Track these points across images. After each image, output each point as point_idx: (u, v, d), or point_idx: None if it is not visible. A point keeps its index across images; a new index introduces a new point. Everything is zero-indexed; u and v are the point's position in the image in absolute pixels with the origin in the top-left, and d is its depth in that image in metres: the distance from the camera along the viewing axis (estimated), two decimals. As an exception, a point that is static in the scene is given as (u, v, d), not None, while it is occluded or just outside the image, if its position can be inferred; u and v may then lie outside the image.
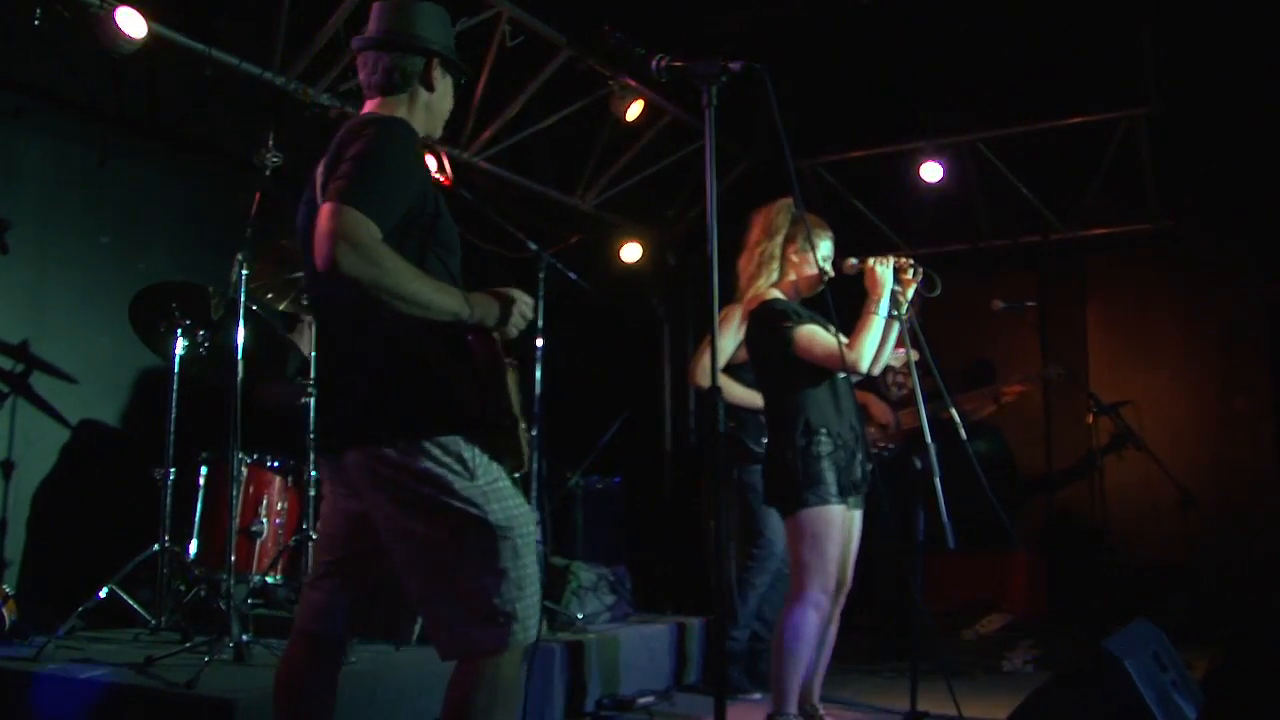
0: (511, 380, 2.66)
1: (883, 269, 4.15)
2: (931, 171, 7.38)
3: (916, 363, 4.26)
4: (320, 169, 2.66)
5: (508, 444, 2.65)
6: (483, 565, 2.53)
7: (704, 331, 4.65)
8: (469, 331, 2.59)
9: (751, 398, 5.05)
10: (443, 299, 2.50)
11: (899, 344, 4.26)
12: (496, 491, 2.58)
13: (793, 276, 4.28)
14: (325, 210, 2.40)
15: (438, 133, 2.93)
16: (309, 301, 3.03)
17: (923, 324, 4.18)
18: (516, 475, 2.70)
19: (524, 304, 2.68)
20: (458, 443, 2.55)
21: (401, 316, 2.46)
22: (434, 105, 2.86)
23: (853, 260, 4.25)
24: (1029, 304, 6.64)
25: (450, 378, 2.59)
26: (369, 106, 2.82)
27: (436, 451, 2.53)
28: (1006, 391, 6.38)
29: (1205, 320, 7.29)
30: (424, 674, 3.97)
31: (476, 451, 2.58)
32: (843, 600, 4.24)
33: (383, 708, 3.87)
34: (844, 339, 4.10)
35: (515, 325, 2.67)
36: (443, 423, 2.55)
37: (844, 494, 4.02)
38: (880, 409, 6.09)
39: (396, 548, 2.60)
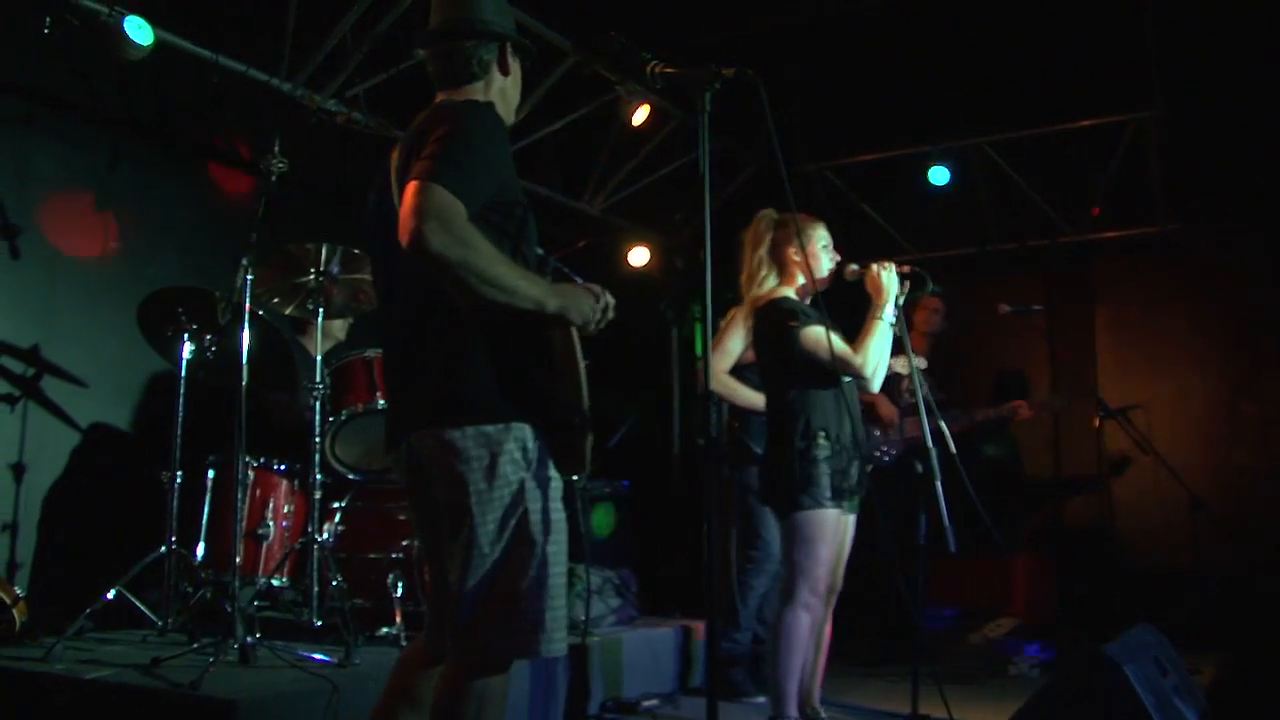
0: (583, 377, 2.57)
1: (887, 275, 4.15)
2: (939, 175, 7.39)
3: (921, 370, 4.26)
4: (397, 154, 2.62)
5: (573, 444, 2.57)
6: (522, 567, 2.46)
7: (717, 331, 4.66)
8: (550, 323, 2.52)
9: (757, 399, 5.05)
10: (528, 286, 2.43)
11: (899, 351, 4.26)
12: (545, 490, 2.52)
13: (800, 278, 4.26)
14: (412, 188, 2.34)
15: (512, 118, 2.86)
16: (374, 288, 2.95)
17: (944, 331, 4.18)
18: (575, 478, 2.62)
19: (608, 302, 2.61)
20: (524, 431, 2.50)
21: (481, 301, 2.38)
22: (508, 91, 2.81)
23: (854, 266, 4.26)
24: (1036, 308, 6.64)
25: (525, 367, 2.52)
26: (443, 98, 2.75)
27: (496, 438, 2.47)
28: (1020, 412, 6.38)
29: (1214, 324, 7.27)
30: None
31: (540, 444, 2.52)
32: (834, 602, 4.25)
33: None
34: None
35: (595, 320, 2.58)
36: (508, 409, 2.49)
37: (838, 498, 4.03)
38: (889, 411, 6.08)
39: (444, 539, 2.54)
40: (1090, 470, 7.24)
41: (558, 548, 2.52)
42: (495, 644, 2.47)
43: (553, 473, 2.56)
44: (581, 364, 2.56)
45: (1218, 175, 7.01)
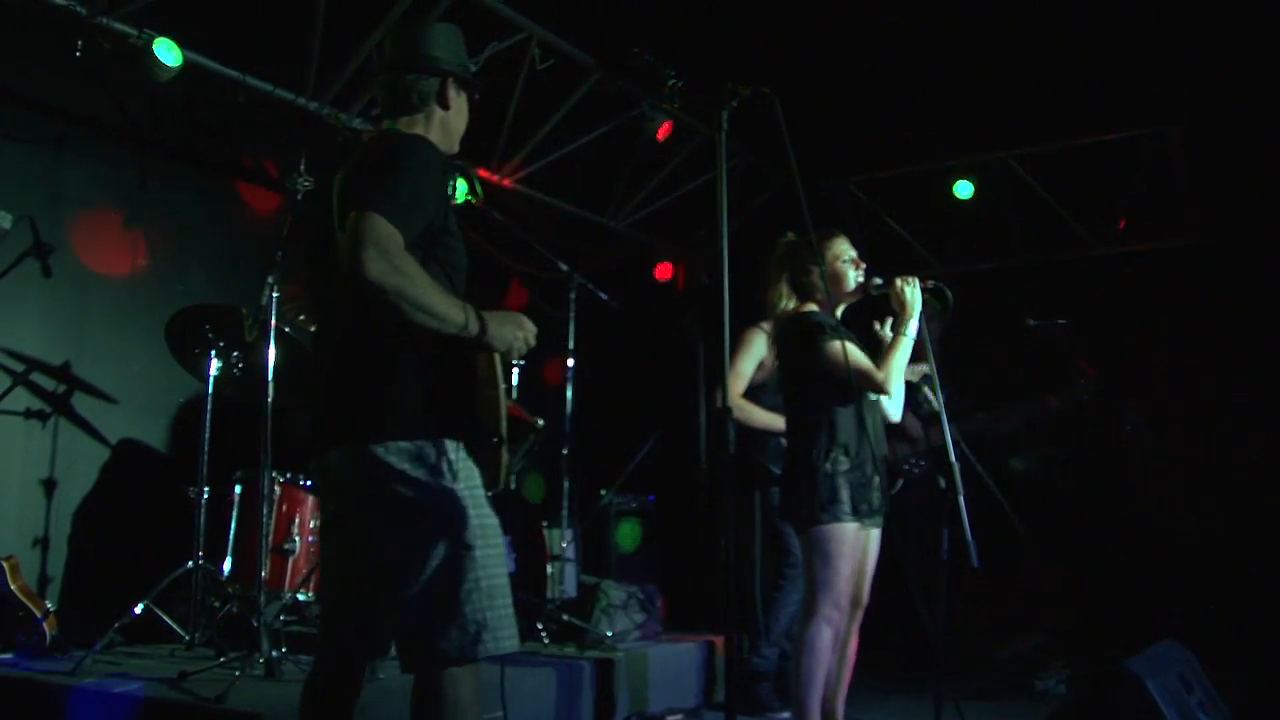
0: (503, 401, 2.71)
1: (911, 290, 4.14)
2: (963, 189, 7.38)
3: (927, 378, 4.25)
4: (337, 181, 2.72)
5: (490, 460, 2.71)
6: (454, 573, 2.55)
7: (731, 352, 4.66)
8: (472, 347, 2.64)
9: (771, 420, 5.07)
10: (456, 313, 2.56)
11: (918, 359, 4.26)
12: (474, 498, 2.63)
13: (825, 294, 4.25)
14: (353, 217, 2.46)
15: (454, 148, 3.00)
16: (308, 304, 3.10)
17: (941, 340, 4.17)
18: (490, 494, 2.73)
19: (529, 331, 2.74)
20: (443, 444, 2.61)
21: (405, 324, 2.51)
22: (450, 123, 2.94)
23: (877, 280, 4.25)
24: (1061, 321, 6.61)
25: (443, 387, 2.64)
26: (386, 125, 2.91)
27: (421, 452, 2.58)
28: (1051, 402, 6.33)
29: (1243, 335, 7.21)
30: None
31: (461, 455, 2.64)
32: (859, 617, 4.24)
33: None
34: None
35: (517, 349, 2.72)
36: (431, 426, 2.61)
37: (859, 513, 4.02)
38: (911, 423, 6.07)
39: (371, 552, 2.63)
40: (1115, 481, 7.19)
41: (494, 550, 2.64)
42: (442, 649, 2.55)
43: (479, 482, 2.68)
44: (502, 386, 2.69)
45: (1244, 188, 6.96)
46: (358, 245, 2.41)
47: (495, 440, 2.69)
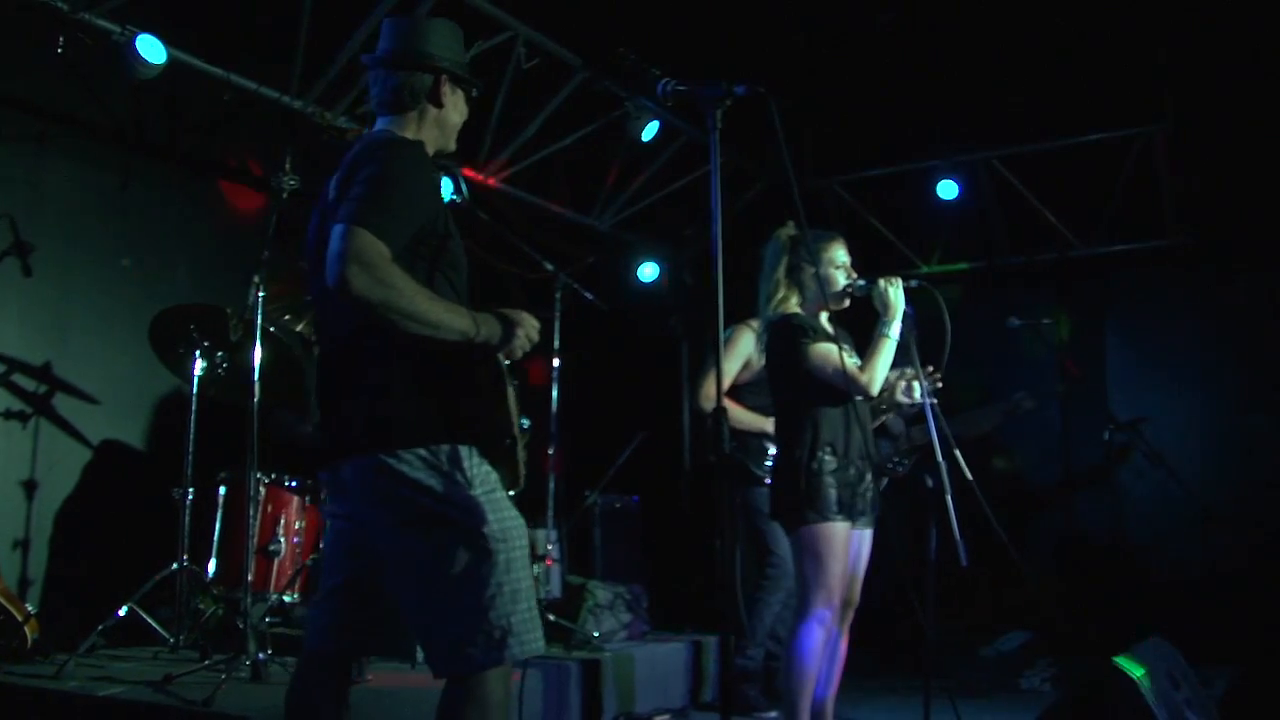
0: (512, 400, 2.70)
1: (894, 290, 4.15)
2: (947, 189, 7.40)
3: (914, 380, 4.25)
4: (331, 186, 2.69)
5: (505, 462, 2.68)
6: (477, 579, 2.53)
7: (713, 352, 4.65)
8: (474, 350, 2.62)
9: (754, 420, 5.08)
10: (452, 319, 2.54)
11: (906, 361, 4.26)
12: (493, 502, 2.60)
13: (817, 295, 4.26)
14: (337, 231, 2.45)
15: (451, 146, 2.96)
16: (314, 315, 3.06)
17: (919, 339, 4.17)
18: (512, 494, 2.71)
19: (530, 327, 2.71)
20: (457, 451, 2.58)
21: (407, 334, 2.49)
22: (444, 120, 2.89)
23: (860, 281, 4.26)
24: (1045, 321, 6.64)
25: (452, 392, 2.61)
26: (380, 124, 2.87)
27: (435, 460, 2.55)
28: (1023, 404, 6.34)
29: (1224, 336, 7.26)
30: (438, 691, 3.99)
31: (475, 460, 2.61)
32: (850, 617, 4.24)
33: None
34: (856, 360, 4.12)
35: (520, 347, 2.69)
36: (442, 432, 2.57)
37: (846, 512, 4.02)
38: (893, 421, 6.07)
39: (392, 563, 2.62)
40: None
41: (518, 554, 2.60)
42: (467, 654, 2.53)
43: (496, 482, 2.65)
44: (509, 387, 2.68)
45: (1227, 189, 7.00)
46: (342, 262, 2.40)
47: (509, 441, 2.66)
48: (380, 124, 2.87)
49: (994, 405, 6.36)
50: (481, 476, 2.61)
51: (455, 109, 2.91)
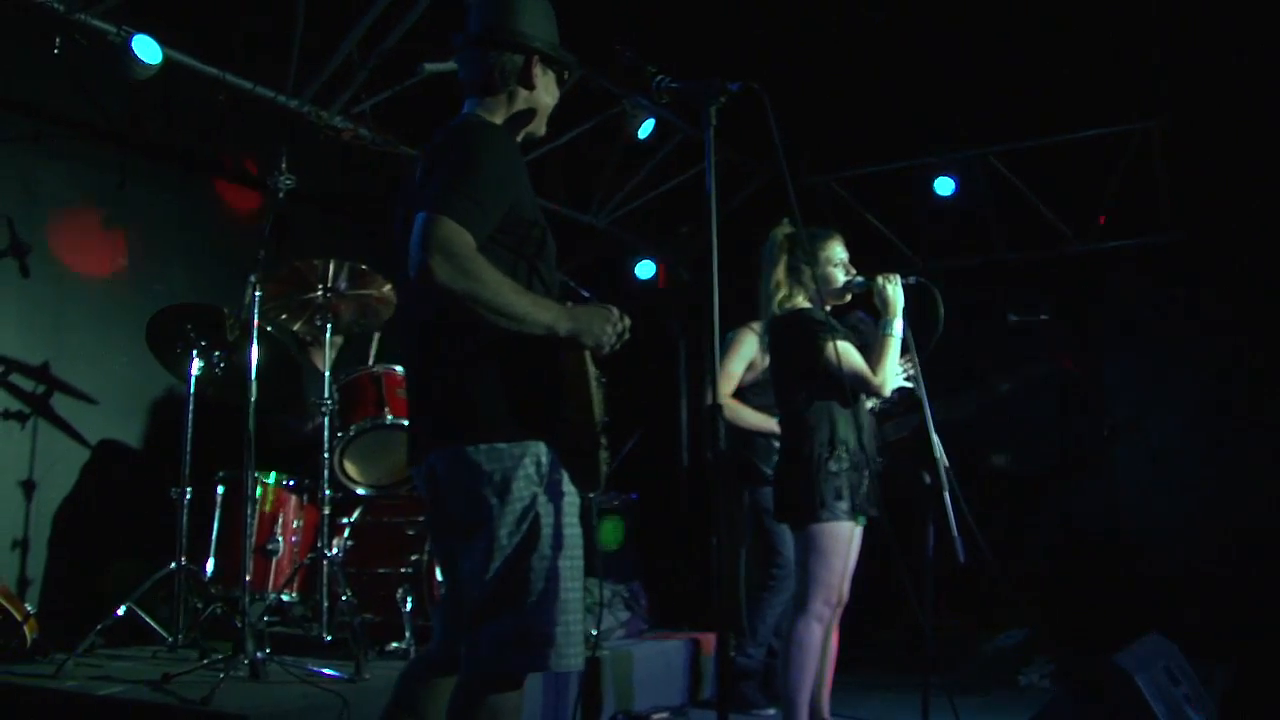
0: (598, 400, 2.59)
1: (893, 288, 4.14)
2: (944, 185, 7.41)
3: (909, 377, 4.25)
4: (418, 171, 2.62)
5: (586, 464, 2.57)
6: (533, 581, 2.47)
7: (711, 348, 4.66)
8: (561, 345, 2.55)
9: (761, 421, 5.07)
10: (538, 313, 2.47)
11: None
12: (560, 506, 2.53)
13: (816, 293, 4.24)
14: (420, 219, 2.38)
15: (541, 130, 2.87)
16: (397, 306, 2.95)
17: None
18: (591, 496, 2.62)
19: (621, 323, 2.62)
20: (538, 448, 2.51)
21: (492, 326, 2.43)
22: (535, 102, 2.78)
23: (859, 278, 4.26)
24: (1043, 317, 6.64)
25: (535, 388, 2.54)
26: (468, 106, 2.78)
27: (509, 456, 2.48)
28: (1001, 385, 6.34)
29: (1222, 331, 7.26)
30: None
31: (549, 461, 2.53)
32: (839, 614, 4.25)
33: None
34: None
35: (609, 344, 2.59)
36: (521, 428, 2.50)
37: (853, 511, 4.03)
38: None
39: (461, 554, 2.56)
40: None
41: (571, 563, 2.53)
42: (506, 656, 2.47)
43: (568, 489, 2.56)
44: (594, 385, 2.57)
45: (1224, 184, 7.01)
46: (425, 251, 2.34)
47: (588, 445, 2.55)
48: (468, 106, 2.77)
49: (968, 391, 6.36)
50: (554, 477, 2.53)
51: (547, 91, 2.80)
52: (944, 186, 7.43)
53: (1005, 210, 7.57)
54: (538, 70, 2.75)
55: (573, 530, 2.55)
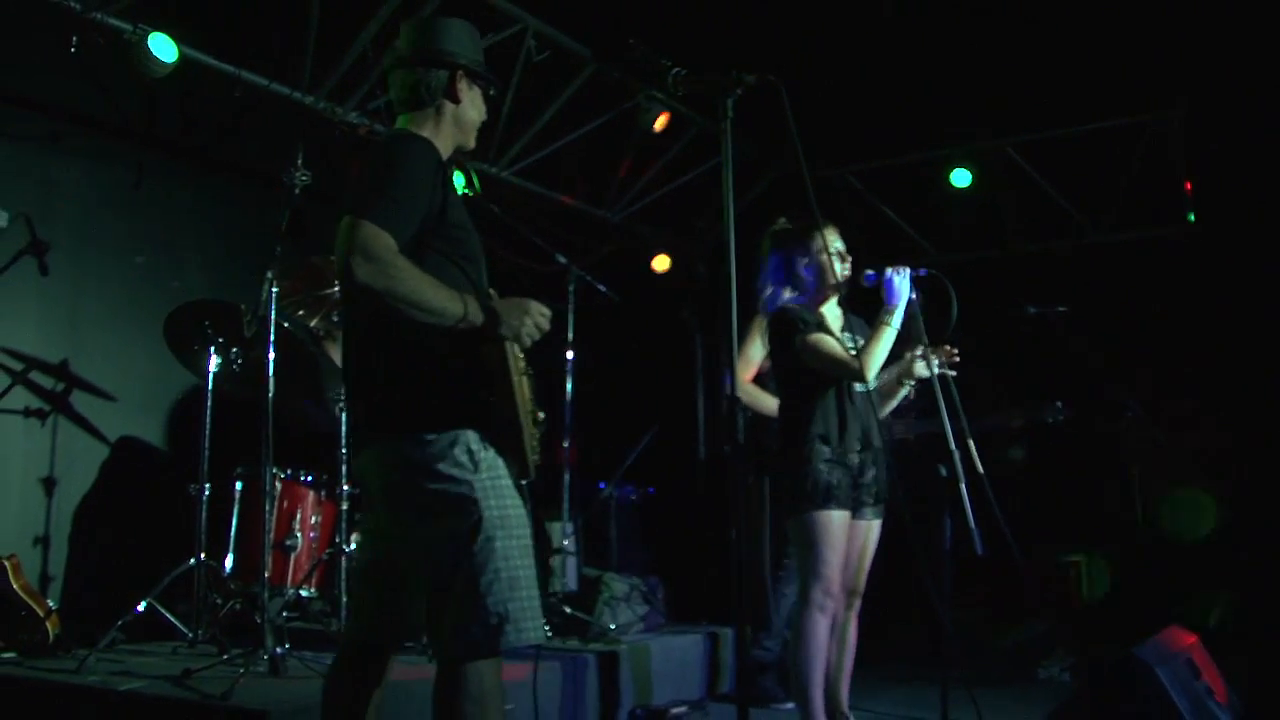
0: (523, 389, 2.73)
1: (899, 279, 4.15)
2: (960, 177, 7.37)
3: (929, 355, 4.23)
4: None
5: (513, 451, 2.72)
6: (474, 564, 2.57)
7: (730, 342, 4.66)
8: (482, 338, 2.66)
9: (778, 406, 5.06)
10: (454, 306, 2.59)
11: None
12: (497, 489, 2.64)
13: (814, 285, 4.27)
14: (342, 224, 2.51)
15: (470, 143, 3.01)
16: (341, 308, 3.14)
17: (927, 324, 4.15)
18: (523, 482, 2.76)
19: (540, 315, 2.75)
20: (466, 436, 2.63)
21: (416, 321, 2.55)
22: (461, 117, 2.93)
23: (869, 271, 4.26)
24: (1060, 309, 6.59)
25: (458, 379, 2.66)
26: (399, 121, 2.92)
27: (439, 445, 2.60)
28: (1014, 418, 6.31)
29: (1240, 321, 7.20)
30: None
31: (480, 446, 2.65)
32: (857, 605, 4.24)
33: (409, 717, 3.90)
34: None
35: (529, 334, 2.73)
36: (447, 418, 2.63)
37: (841, 502, 4.03)
38: None
39: (400, 545, 2.70)
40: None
41: (517, 542, 2.64)
42: (468, 640, 2.56)
43: (503, 470, 2.69)
44: (517, 375, 2.70)
45: (1241, 175, 6.95)
46: (346, 252, 2.47)
47: (513, 430, 2.69)
48: (399, 123, 2.92)
49: (988, 417, 6.31)
50: (488, 462, 2.65)
51: (473, 105, 2.95)
52: (960, 178, 7.40)
53: (1022, 202, 7.53)
54: (463, 85, 2.91)
55: (515, 511, 2.67)
